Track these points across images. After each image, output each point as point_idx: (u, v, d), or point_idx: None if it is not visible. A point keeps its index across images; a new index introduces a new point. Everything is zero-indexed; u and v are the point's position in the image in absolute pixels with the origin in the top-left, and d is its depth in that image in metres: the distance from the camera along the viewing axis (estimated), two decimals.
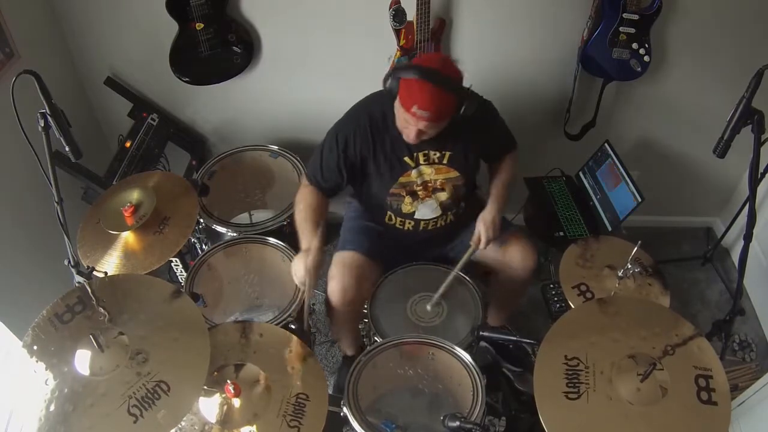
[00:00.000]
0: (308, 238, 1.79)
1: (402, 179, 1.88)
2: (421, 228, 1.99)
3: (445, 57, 1.93)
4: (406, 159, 1.86)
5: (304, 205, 1.89)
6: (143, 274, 1.82)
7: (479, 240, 1.90)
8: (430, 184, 1.91)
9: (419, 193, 1.92)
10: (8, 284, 2.09)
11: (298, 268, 1.76)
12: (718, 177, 2.79)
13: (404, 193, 1.91)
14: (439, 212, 1.96)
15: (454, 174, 1.91)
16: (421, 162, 1.87)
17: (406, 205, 1.94)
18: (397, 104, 1.72)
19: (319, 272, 1.77)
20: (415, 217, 1.96)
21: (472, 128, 1.82)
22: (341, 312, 1.94)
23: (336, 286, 1.88)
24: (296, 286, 1.87)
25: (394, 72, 1.69)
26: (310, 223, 1.82)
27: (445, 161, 1.88)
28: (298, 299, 1.92)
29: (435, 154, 1.87)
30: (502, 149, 2.05)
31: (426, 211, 1.95)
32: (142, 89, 2.52)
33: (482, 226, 1.89)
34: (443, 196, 1.94)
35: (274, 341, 1.69)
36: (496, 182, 2.02)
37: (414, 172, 1.88)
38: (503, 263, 2.00)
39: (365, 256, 1.94)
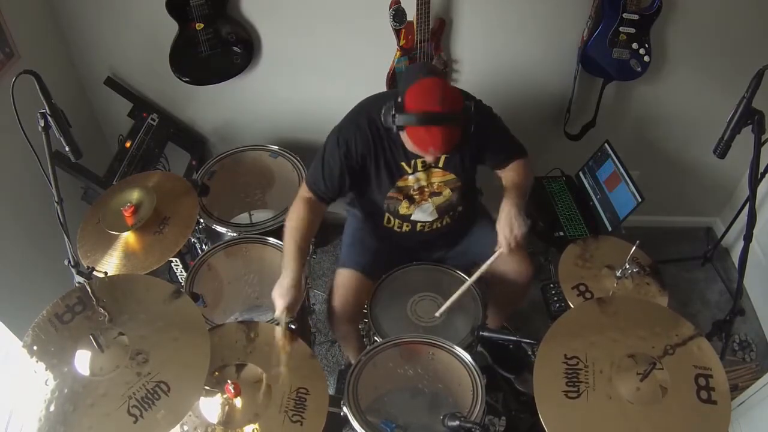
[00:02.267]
0: (291, 267, 1.74)
1: (399, 183, 1.88)
2: (417, 230, 1.99)
3: (441, 85, 1.64)
4: (403, 164, 1.85)
5: (296, 224, 1.83)
6: (143, 274, 1.82)
7: (505, 244, 1.79)
8: (426, 189, 1.90)
9: (415, 197, 1.92)
10: (8, 284, 2.09)
11: (278, 303, 1.72)
12: (718, 177, 2.79)
13: (401, 197, 1.91)
14: (435, 215, 1.96)
15: (450, 177, 1.89)
16: (419, 168, 1.86)
17: (403, 208, 1.94)
18: (406, 138, 1.67)
19: (296, 309, 1.73)
20: (412, 219, 1.96)
21: (466, 131, 1.80)
22: (343, 324, 1.99)
23: (337, 302, 1.93)
24: None
25: (396, 117, 1.61)
26: (299, 251, 1.77)
27: (440, 164, 1.87)
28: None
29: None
30: (508, 155, 1.97)
31: (422, 214, 1.95)
32: (142, 89, 2.52)
33: (504, 232, 1.78)
34: (440, 200, 1.93)
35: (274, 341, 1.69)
36: (508, 185, 1.93)
37: (411, 178, 1.87)
38: (500, 276, 2.00)
39: (364, 275, 1.98)
